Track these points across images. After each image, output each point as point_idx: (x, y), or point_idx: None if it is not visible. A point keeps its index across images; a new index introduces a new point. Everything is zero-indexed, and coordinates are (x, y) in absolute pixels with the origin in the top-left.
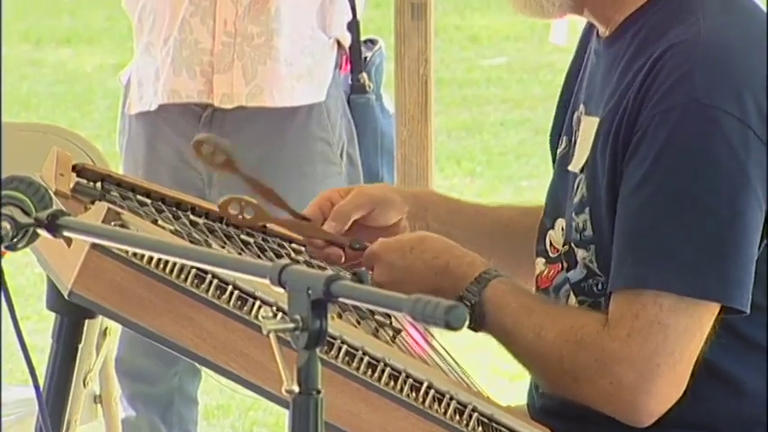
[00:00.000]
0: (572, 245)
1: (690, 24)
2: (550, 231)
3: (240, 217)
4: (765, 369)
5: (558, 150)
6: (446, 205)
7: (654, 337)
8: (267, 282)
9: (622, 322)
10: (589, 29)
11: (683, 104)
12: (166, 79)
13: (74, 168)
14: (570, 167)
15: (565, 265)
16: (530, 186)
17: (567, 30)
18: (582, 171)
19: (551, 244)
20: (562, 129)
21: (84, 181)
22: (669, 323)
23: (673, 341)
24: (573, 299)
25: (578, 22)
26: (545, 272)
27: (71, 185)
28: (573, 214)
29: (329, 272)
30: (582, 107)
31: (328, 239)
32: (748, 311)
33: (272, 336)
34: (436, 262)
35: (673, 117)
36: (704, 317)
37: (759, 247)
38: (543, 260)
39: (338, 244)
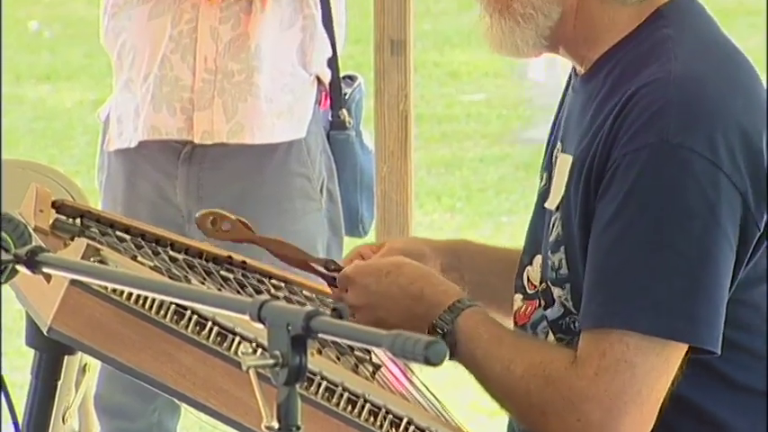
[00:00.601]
0: (548, 283)
1: (663, 63)
2: (528, 267)
3: (218, 231)
4: (749, 410)
5: (539, 186)
6: (481, 254)
7: (621, 375)
8: (247, 317)
9: (590, 360)
10: (573, 67)
11: (654, 144)
12: (146, 116)
13: (53, 204)
14: (546, 204)
15: (542, 302)
16: (510, 222)
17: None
18: (557, 209)
19: (529, 280)
20: (544, 166)
21: (64, 217)
22: (636, 362)
23: (640, 380)
24: (551, 336)
25: (557, 58)
26: (522, 308)
27: (50, 222)
28: (549, 252)
29: (309, 307)
30: (559, 144)
31: (304, 258)
32: (719, 352)
33: (251, 372)
34: (411, 288)
35: (643, 156)
36: (672, 357)
37: (730, 289)
38: (521, 296)
39: (314, 263)
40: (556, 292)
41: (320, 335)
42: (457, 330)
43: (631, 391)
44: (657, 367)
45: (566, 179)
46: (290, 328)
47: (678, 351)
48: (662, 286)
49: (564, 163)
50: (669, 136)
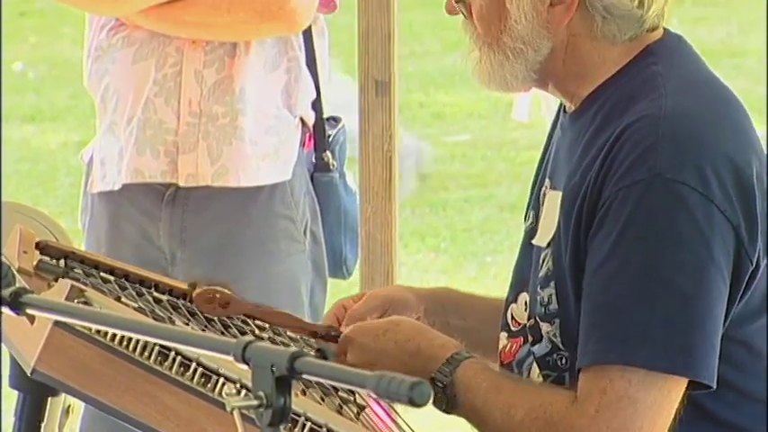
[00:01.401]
0: (537, 318)
1: (653, 99)
2: (513, 305)
3: (215, 309)
4: None
5: (525, 225)
6: (466, 301)
7: (622, 411)
8: (231, 358)
9: (590, 398)
10: (560, 105)
11: (647, 179)
12: (130, 159)
13: (37, 245)
14: (534, 241)
15: (529, 338)
16: (494, 262)
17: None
18: (548, 245)
19: (513, 317)
20: (531, 204)
21: (48, 258)
22: (638, 397)
23: (641, 416)
24: (536, 371)
25: (542, 100)
26: (507, 346)
27: (34, 263)
28: (538, 288)
29: (293, 348)
30: (547, 181)
31: (302, 326)
32: (714, 386)
33: (235, 413)
34: (408, 345)
35: (636, 192)
36: (673, 391)
37: (724, 323)
38: (505, 334)
39: (314, 331)
40: (544, 327)
41: (304, 376)
42: (456, 382)
43: (633, 426)
44: (659, 402)
45: (556, 215)
46: (274, 368)
47: (678, 386)
48: (659, 321)
49: (553, 199)
50: (662, 170)
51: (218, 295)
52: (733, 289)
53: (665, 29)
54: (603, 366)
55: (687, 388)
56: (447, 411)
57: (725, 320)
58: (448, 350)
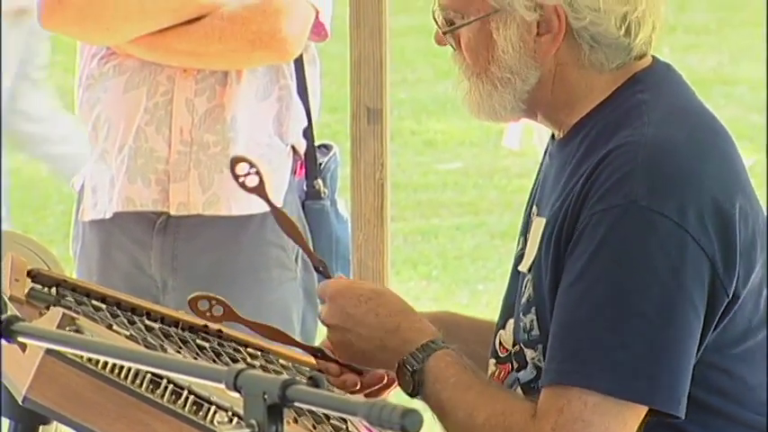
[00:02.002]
0: (521, 345)
1: (636, 127)
2: (501, 331)
3: (209, 314)
4: None
5: (516, 251)
6: (468, 324)
7: None
8: (223, 386)
9: (548, 416)
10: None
11: (622, 205)
12: (121, 187)
13: (29, 273)
14: (520, 268)
15: (515, 365)
16: (486, 290)
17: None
18: (530, 271)
19: (501, 344)
20: (522, 231)
21: (40, 286)
22: (593, 421)
23: None
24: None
25: (533, 128)
26: (496, 372)
27: (26, 291)
28: (521, 314)
29: (285, 376)
30: (534, 208)
31: (295, 344)
32: (682, 415)
33: None
34: (388, 321)
35: (611, 217)
36: (630, 418)
37: (698, 352)
38: (494, 360)
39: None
40: (528, 353)
41: (296, 404)
42: (426, 370)
43: None
44: (613, 428)
45: (538, 241)
46: (266, 396)
47: (637, 413)
48: (622, 347)
49: (538, 226)
50: (638, 198)
51: (213, 301)
52: (707, 318)
53: (654, 57)
54: (563, 386)
55: (652, 414)
56: (412, 396)
57: (699, 348)
58: (425, 336)
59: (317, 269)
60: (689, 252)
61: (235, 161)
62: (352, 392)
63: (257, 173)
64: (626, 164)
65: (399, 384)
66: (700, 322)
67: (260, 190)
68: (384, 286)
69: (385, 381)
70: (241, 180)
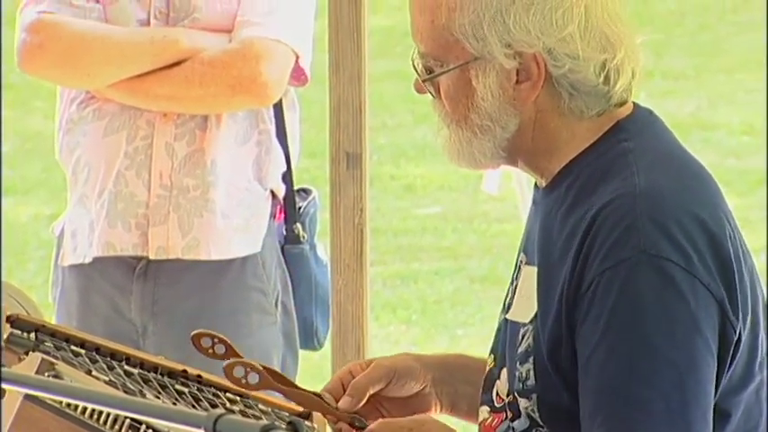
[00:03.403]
0: (515, 394)
1: (626, 178)
2: (497, 381)
3: (244, 381)
4: None
5: (506, 300)
6: (477, 366)
7: None
8: None
9: None
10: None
11: (632, 257)
12: (101, 232)
13: (8, 319)
14: (509, 316)
15: (509, 414)
16: (465, 335)
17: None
18: (531, 322)
19: (497, 394)
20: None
21: (19, 332)
22: None
23: None
24: None
25: (512, 173)
26: (488, 420)
27: (5, 336)
28: (517, 364)
29: (264, 421)
30: (523, 256)
31: (331, 413)
32: None
33: None
34: None
35: (622, 271)
36: None
37: (714, 395)
38: (488, 409)
39: (341, 418)
40: (522, 403)
41: None
42: None
43: None
44: None
45: (534, 290)
46: None
47: None
48: (658, 397)
49: (529, 275)
50: (646, 247)
51: (248, 368)
52: (721, 361)
53: (634, 103)
54: None
55: None
56: None
57: (715, 392)
58: None
59: (352, 424)
60: (700, 297)
61: (196, 337)
62: None
63: (221, 341)
64: (626, 216)
65: None
66: (715, 366)
67: (232, 355)
68: (423, 414)
69: None
70: (210, 353)
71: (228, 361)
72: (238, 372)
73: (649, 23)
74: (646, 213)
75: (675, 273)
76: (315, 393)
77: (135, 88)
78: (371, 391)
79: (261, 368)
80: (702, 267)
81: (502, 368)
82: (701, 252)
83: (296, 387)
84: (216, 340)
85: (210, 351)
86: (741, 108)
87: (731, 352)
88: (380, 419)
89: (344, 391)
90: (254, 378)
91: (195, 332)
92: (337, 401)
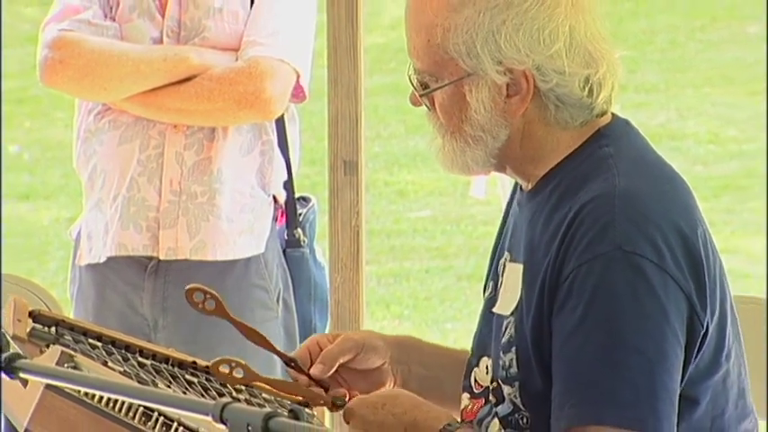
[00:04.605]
0: (499, 381)
1: (606, 179)
2: (475, 369)
3: (201, 306)
4: None
5: (485, 295)
6: (429, 350)
7: None
8: (210, 419)
9: None
10: (516, 183)
11: (608, 253)
12: (115, 233)
13: (30, 314)
14: (495, 310)
15: (492, 399)
16: (453, 328)
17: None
18: (512, 314)
19: (476, 381)
20: (490, 276)
21: (40, 326)
22: None
23: None
24: (495, 428)
25: (498, 178)
26: (469, 406)
27: (28, 330)
28: (500, 353)
29: (267, 409)
30: (507, 254)
31: (273, 350)
32: None
33: None
34: (405, 417)
35: (598, 265)
36: None
37: (681, 382)
38: (468, 395)
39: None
40: (506, 390)
41: None
42: None
43: None
44: None
45: (519, 286)
46: (249, 428)
47: None
48: (626, 384)
49: (514, 271)
50: (621, 244)
51: (233, 364)
52: (688, 352)
53: (613, 113)
54: (580, 427)
55: None
56: None
57: (681, 381)
58: (441, 421)
59: (287, 364)
60: (671, 291)
61: (189, 291)
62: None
63: (212, 296)
64: (604, 215)
65: None
66: (683, 355)
67: (220, 310)
68: (395, 389)
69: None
70: (200, 306)
71: (188, 286)
72: (198, 296)
73: (623, 41)
74: (623, 212)
75: (648, 268)
76: (289, 357)
77: (148, 101)
78: (341, 361)
79: (245, 364)
80: (674, 264)
81: (480, 357)
82: (674, 250)
83: (279, 353)
84: (207, 296)
85: (201, 306)
86: (708, 119)
87: (698, 343)
88: (357, 397)
89: (311, 359)
90: (210, 305)
91: (189, 287)
92: (308, 369)
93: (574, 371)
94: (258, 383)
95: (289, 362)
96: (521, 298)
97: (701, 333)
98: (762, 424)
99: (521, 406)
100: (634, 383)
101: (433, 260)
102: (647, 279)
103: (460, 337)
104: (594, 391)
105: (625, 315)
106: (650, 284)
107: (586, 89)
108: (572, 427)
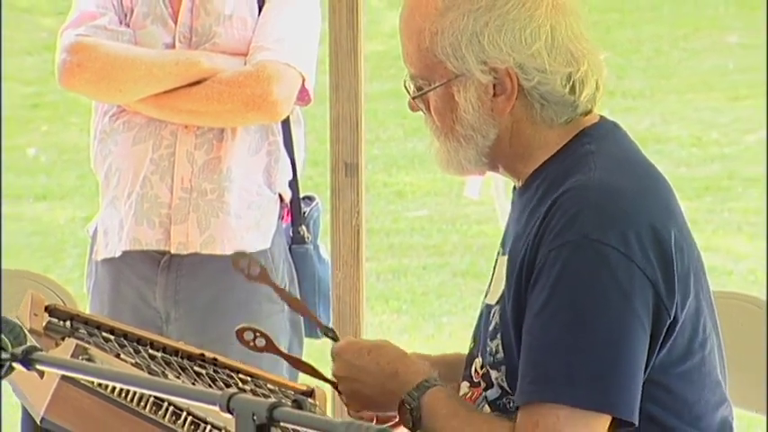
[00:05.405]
0: (488, 367)
1: (584, 173)
2: (476, 359)
3: (252, 344)
4: None
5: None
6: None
7: None
8: (217, 408)
9: (525, 430)
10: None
11: (575, 240)
12: (129, 229)
13: (46, 309)
14: (486, 300)
15: (483, 385)
16: (449, 322)
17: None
18: (497, 303)
19: (476, 370)
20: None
21: (56, 320)
22: (565, 431)
23: None
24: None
25: (491, 179)
26: (468, 393)
27: (44, 324)
28: (488, 340)
29: (272, 399)
30: (500, 249)
31: (320, 376)
32: (636, 423)
33: None
34: (388, 367)
35: (566, 252)
36: (597, 428)
37: (646, 370)
38: (468, 384)
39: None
40: (493, 374)
41: (282, 423)
42: (422, 406)
43: None
44: None
45: (504, 277)
46: (255, 417)
47: (602, 422)
48: (584, 364)
49: (502, 263)
50: (588, 233)
51: (257, 333)
52: (653, 338)
53: (601, 116)
54: (536, 403)
55: (612, 424)
56: (412, 430)
57: (647, 366)
58: (420, 376)
59: (326, 334)
60: (636, 279)
61: (240, 331)
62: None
63: (262, 335)
64: (576, 204)
65: (401, 421)
66: (647, 340)
67: (271, 347)
68: (383, 339)
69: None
70: (251, 345)
71: (240, 326)
72: (248, 335)
73: (611, 49)
74: (594, 202)
75: (612, 256)
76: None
77: (161, 103)
78: None
79: (266, 334)
80: (641, 253)
81: (479, 347)
82: (642, 240)
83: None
84: (257, 334)
85: (252, 344)
86: (690, 124)
87: (665, 331)
88: (346, 338)
89: None
90: (261, 342)
91: (238, 327)
92: None
93: (536, 349)
94: (276, 353)
95: (336, 386)
96: (505, 288)
97: (668, 322)
98: (762, 421)
99: (508, 389)
100: (591, 364)
101: (429, 257)
102: (610, 266)
103: (456, 330)
104: (553, 370)
105: (587, 299)
106: (613, 271)
107: (568, 87)
108: (530, 402)
